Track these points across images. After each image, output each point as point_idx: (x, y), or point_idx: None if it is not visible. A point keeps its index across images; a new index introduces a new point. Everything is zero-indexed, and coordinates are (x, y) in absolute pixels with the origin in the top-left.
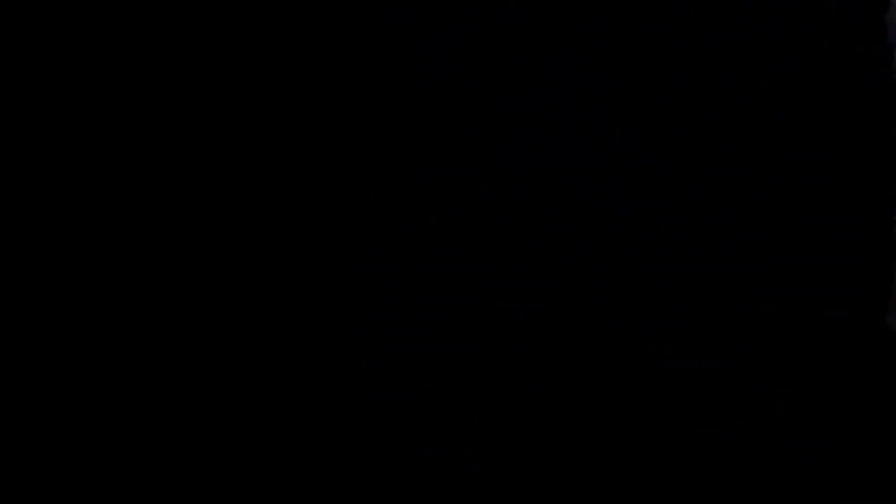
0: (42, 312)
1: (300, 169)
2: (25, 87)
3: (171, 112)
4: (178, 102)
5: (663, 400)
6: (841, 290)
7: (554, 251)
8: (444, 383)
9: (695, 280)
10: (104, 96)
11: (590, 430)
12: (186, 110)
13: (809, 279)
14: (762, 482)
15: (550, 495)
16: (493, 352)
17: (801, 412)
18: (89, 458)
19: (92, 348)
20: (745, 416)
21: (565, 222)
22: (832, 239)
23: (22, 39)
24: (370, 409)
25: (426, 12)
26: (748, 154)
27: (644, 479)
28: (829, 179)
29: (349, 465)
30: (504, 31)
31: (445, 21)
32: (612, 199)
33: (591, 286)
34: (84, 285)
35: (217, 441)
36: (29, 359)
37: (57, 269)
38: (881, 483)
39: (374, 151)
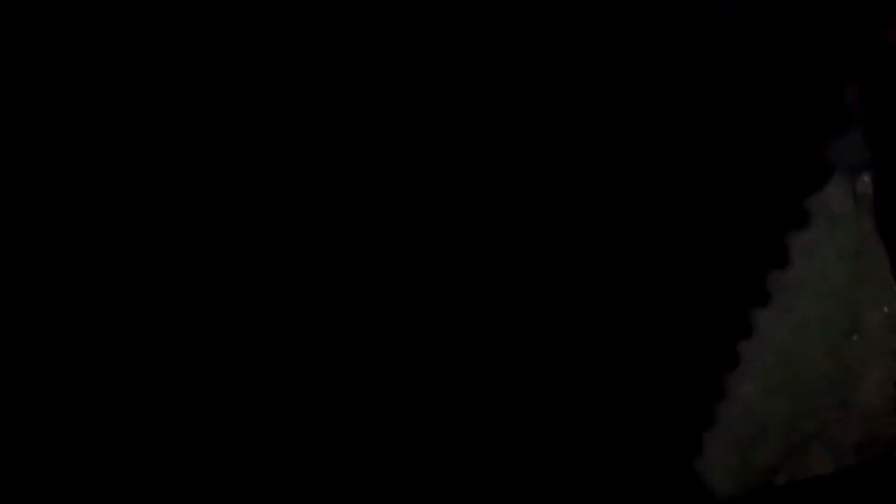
0: (42, 312)
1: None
2: (25, 87)
3: (172, 112)
4: (178, 102)
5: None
6: None
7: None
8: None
9: None
10: (104, 96)
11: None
12: (187, 110)
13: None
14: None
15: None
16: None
17: None
18: (89, 459)
19: (92, 348)
20: None
21: None
22: None
23: (22, 39)
24: (369, 409)
25: None
26: None
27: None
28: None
29: (349, 465)
30: None
31: None
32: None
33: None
34: (84, 285)
35: (217, 441)
36: (29, 359)
37: (57, 269)
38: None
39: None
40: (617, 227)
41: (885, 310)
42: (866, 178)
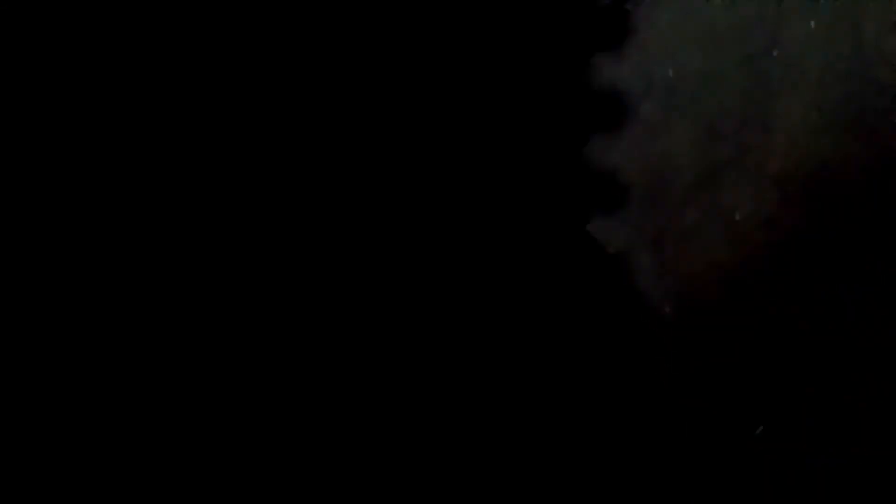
0: (42, 312)
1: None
2: (26, 87)
3: (174, 112)
4: (180, 102)
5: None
6: None
7: None
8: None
9: None
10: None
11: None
12: (189, 110)
13: None
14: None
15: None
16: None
17: None
18: (89, 459)
19: (92, 348)
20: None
21: None
22: None
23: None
24: (370, 409)
25: None
26: None
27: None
28: None
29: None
30: None
31: None
32: None
33: None
34: (85, 285)
35: (217, 441)
36: (29, 359)
37: (57, 269)
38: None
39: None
40: None
41: (812, 24)
42: None
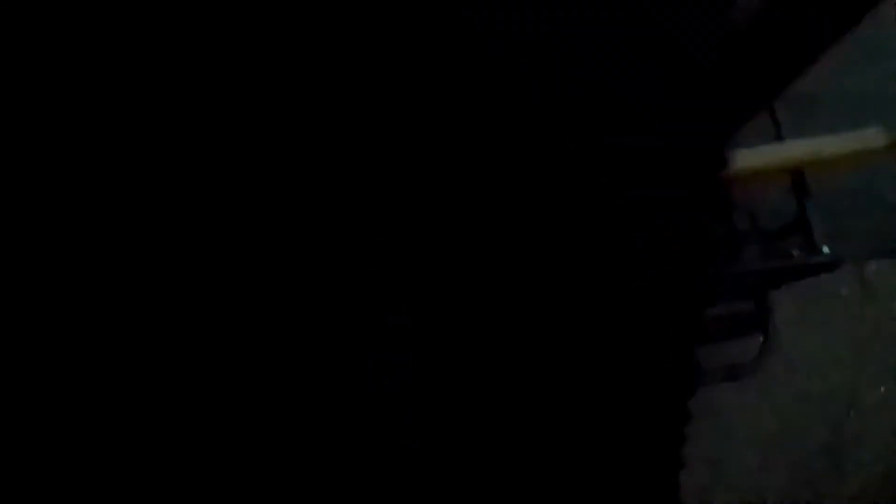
0: (42, 312)
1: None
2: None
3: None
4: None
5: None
6: None
7: None
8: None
9: None
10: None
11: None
12: (189, 111)
13: None
14: None
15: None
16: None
17: None
18: (89, 459)
19: (92, 349)
20: None
21: None
22: None
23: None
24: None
25: None
26: None
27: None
28: None
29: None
30: None
31: None
32: None
33: None
34: (85, 286)
35: (217, 442)
36: (29, 359)
37: (57, 269)
38: None
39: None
40: None
41: (882, 390)
42: (873, 266)
